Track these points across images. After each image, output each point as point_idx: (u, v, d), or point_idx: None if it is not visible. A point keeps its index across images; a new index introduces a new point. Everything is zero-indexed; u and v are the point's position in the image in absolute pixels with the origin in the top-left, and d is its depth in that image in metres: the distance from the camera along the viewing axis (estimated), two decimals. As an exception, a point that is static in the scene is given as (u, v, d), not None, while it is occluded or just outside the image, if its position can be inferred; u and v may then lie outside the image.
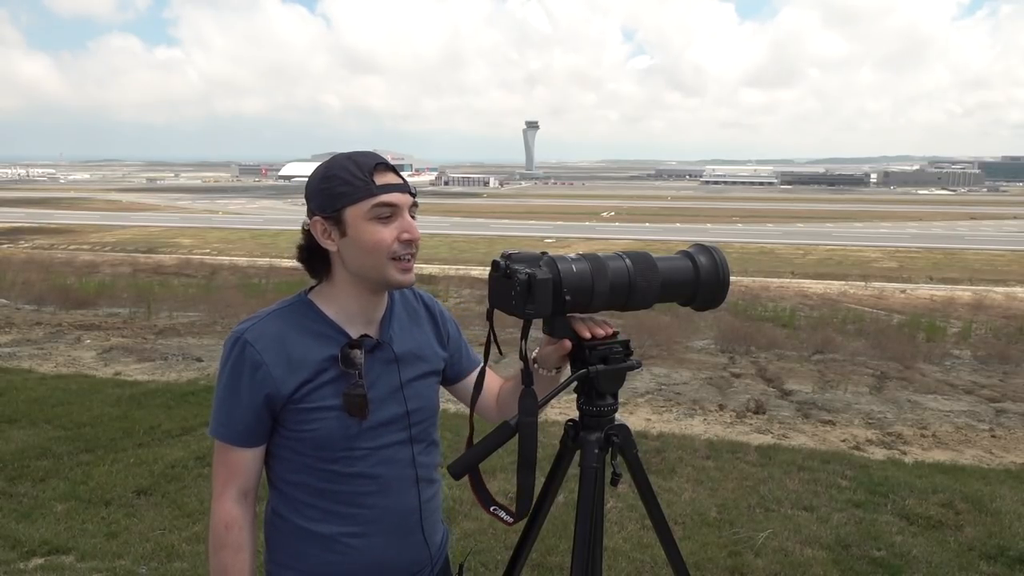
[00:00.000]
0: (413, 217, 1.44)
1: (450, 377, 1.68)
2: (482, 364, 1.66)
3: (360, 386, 1.40)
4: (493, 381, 1.72)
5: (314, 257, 1.46)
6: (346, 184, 1.39)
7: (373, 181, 1.38)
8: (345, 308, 1.46)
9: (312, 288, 1.51)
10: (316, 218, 1.41)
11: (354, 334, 1.46)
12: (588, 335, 1.41)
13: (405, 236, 1.40)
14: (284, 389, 1.39)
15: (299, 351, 1.41)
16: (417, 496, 1.52)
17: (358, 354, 1.42)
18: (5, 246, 41.80)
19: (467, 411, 1.66)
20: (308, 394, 1.41)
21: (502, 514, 1.51)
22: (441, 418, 1.64)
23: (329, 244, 1.42)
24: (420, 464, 1.53)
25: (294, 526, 1.47)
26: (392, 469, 1.48)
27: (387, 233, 1.39)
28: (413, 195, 1.43)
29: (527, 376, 1.43)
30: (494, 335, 1.47)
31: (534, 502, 1.48)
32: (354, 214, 1.39)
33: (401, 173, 1.44)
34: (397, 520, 1.49)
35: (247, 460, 1.44)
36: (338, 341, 1.43)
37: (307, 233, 1.44)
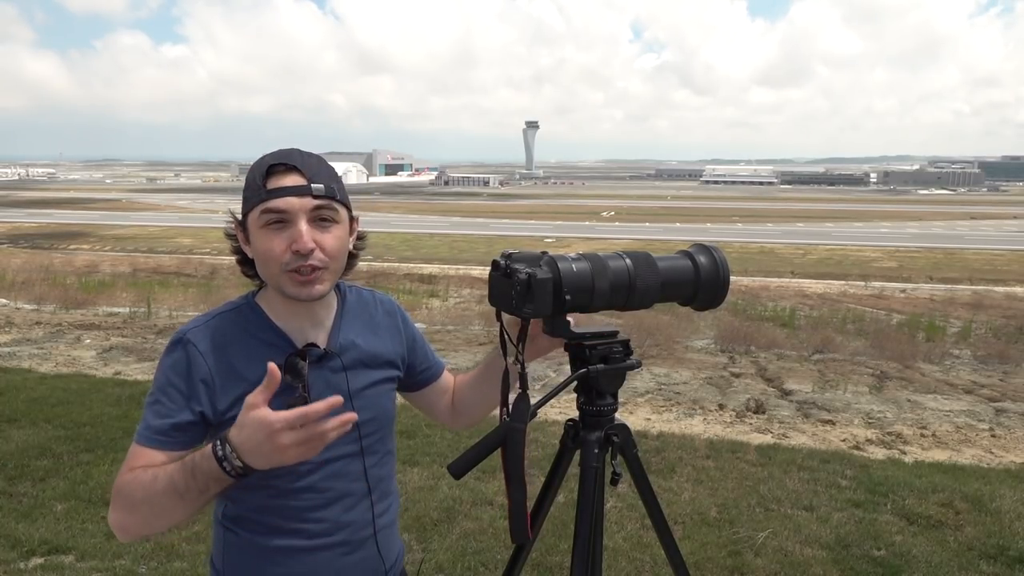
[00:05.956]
0: (325, 221, 1.31)
1: (413, 383, 1.61)
2: (445, 369, 1.64)
3: (304, 399, 1.29)
4: (452, 384, 1.68)
5: (245, 259, 1.38)
6: (248, 188, 1.31)
7: (264, 185, 1.28)
8: (284, 312, 1.38)
9: (260, 289, 1.42)
10: (235, 222, 1.37)
11: (301, 341, 1.37)
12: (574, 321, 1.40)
13: (294, 246, 1.27)
14: (221, 401, 1.31)
15: (242, 360, 1.33)
16: (370, 509, 1.45)
17: (303, 365, 1.32)
18: (4, 245, 41.79)
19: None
20: None
21: None
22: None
23: (247, 250, 1.36)
24: (372, 477, 1.45)
25: (238, 537, 1.40)
26: (342, 482, 1.39)
27: (277, 243, 1.28)
28: (317, 196, 1.28)
29: (523, 380, 1.38)
30: (507, 335, 1.40)
31: (531, 514, 1.43)
32: (251, 221, 1.31)
33: (310, 171, 1.29)
34: (348, 535, 1.42)
35: (163, 463, 1.30)
36: (283, 350, 1.34)
37: (232, 236, 1.38)
